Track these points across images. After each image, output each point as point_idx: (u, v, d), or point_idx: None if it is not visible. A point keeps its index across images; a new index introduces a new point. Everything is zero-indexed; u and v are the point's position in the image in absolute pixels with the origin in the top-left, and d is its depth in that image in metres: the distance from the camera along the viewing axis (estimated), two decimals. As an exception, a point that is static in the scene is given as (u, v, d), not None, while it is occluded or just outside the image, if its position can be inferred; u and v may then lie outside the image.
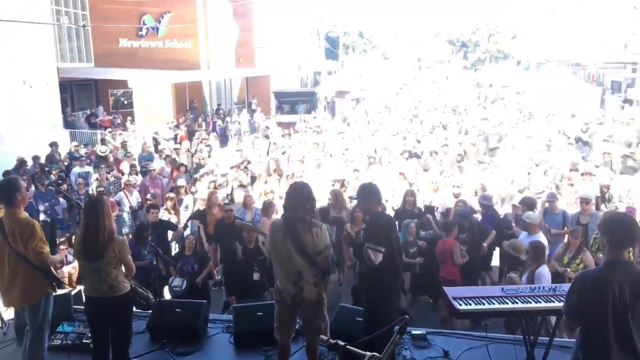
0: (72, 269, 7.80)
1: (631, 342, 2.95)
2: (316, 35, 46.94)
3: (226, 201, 8.73)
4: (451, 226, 7.01)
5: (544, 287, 4.08)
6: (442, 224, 7.37)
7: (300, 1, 39.04)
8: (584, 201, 7.56)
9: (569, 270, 6.07)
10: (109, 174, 11.78)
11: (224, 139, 19.22)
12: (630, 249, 5.28)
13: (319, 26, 45.89)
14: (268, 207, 7.73)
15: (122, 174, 11.76)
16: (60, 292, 4.97)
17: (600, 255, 6.27)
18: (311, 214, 4.10)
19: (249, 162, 11.70)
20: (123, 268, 4.30)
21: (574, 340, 3.44)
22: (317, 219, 4.23)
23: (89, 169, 11.87)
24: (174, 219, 8.70)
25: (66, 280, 6.46)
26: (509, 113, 20.26)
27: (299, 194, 4.15)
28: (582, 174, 9.36)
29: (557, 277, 6.14)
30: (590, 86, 26.62)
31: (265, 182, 9.93)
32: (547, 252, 6.54)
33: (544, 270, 5.57)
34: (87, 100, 24.27)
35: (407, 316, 2.33)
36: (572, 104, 19.80)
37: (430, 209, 8.06)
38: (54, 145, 13.86)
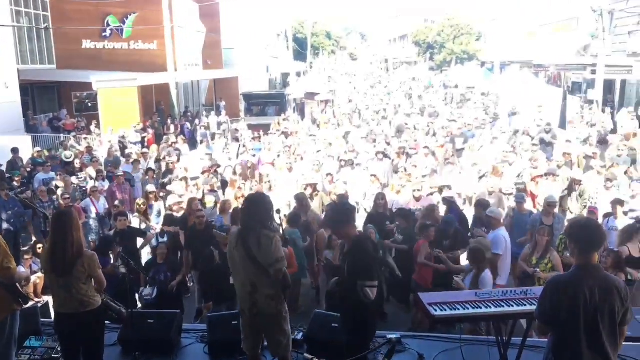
0: (37, 279, 7.57)
1: (601, 344, 3.05)
2: (284, 37, 46.81)
3: (198, 207, 8.62)
4: (426, 228, 6.99)
5: (515, 291, 4.17)
6: (419, 226, 7.29)
7: (267, 2, 38.82)
8: (551, 204, 7.56)
9: (538, 270, 6.20)
10: (79, 173, 11.50)
11: (192, 142, 18.97)
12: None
13: (286, 27, 45.76)
14: (238, 214, 7.62)
15: (91, 178, 11.48)
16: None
17: (567, 254, 6.42)
18: (264, 224, 4.03)
19: (218, 166, 11.60)
20: (94, 282, 4.19)
21: (546, 340, 3.52)
22: (272, 230, 4.09)
23: (54, 174, 11.53)
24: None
25: (32, 295, 6.24)
26: (474, 114, 20.63)
27: (253, 205, 4.17)
28: (545, 174, 9.59)
29: (526, 278, 6.28)
30: (551, 87, 27.31)
31: (239, 187, 9.83)
32: (509, 247, 6.66)
33: (488, 275, 5.64)
34: (50, 103, 23.56)
35: (394, 337, 2.33)
36: (536, 104, 20.28)
37: (404, 213, 7.99)
38: (15, 151, 13.41)
